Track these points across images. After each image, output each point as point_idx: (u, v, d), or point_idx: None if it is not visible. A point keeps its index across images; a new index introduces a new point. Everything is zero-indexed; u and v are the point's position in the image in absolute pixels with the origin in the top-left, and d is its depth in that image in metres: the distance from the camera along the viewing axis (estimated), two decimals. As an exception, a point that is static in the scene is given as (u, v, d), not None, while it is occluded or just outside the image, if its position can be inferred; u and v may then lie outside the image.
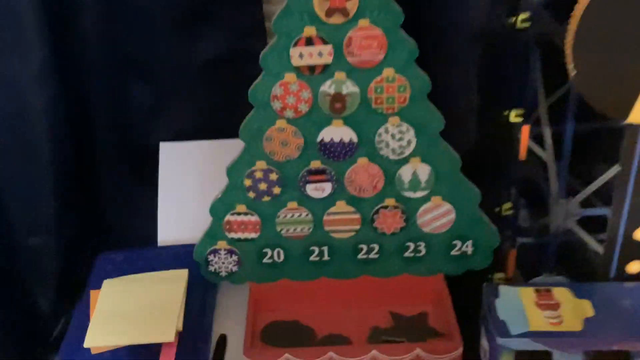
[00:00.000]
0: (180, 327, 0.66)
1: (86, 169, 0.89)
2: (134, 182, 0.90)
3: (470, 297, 0.74)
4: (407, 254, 0.74)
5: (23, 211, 0.86)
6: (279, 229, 0.72)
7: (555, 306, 0.64)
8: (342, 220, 0.71)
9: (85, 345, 0.65)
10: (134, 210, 0.91)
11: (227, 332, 0.75)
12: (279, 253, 0.73)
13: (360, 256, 0.73)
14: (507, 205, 0.73)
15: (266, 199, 0.70)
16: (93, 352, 0.67)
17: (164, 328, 0.65)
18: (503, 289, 0.66)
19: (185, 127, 0.86)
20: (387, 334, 0.73)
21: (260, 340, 0.73)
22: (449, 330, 0.71)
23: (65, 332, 0.73)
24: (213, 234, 0.72)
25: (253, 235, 0.72)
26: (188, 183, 0.84)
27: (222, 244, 0.73)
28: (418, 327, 0.74)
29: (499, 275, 0.79)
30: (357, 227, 0.72)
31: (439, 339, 0.71)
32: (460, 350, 0.68)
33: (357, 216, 0.71)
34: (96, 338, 0.66)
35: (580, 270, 0.75)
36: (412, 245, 0.73)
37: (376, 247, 0.73)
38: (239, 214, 0.71)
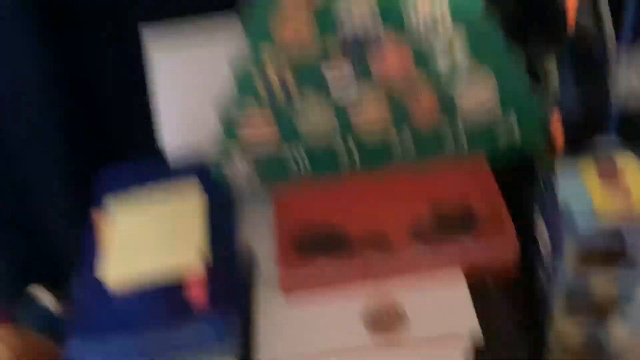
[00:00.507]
0: (206, 254, 0.60)
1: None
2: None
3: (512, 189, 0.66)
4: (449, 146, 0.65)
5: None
6: (298, 125, 0.63)
7: (624, 182, 0.56)
8: (370, 110, 0.62)
9: (103, 278, 0.59)
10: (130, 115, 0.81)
11: (254, 247, 0.68)
12: (300, 152, 0.65)
13: (394, 150, 0.65)
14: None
15: (281, 94, 0.61)
16: (110, 285, 0.61)
17: (190, 257, 0.59)
18: (560, 168, 0.58)
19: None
20: (429, 229, 0.66)
21: (295, 248, 0.67)
22: (499, 222, 0.64)
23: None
24: (225, 139, 0.64)
25: (270, 136, 0.63)
26: (184, 75, 0.73)
27: (236, 149, 0.64)
28: (462, 221, 0.67)
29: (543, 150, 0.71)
30: (387, 116, 0.63)
31: (487, 232, 0.65)
32: (512, 247, 0.62)
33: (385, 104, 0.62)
34: (114, 271, 0.60)
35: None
36: (449, 132, 0.64)
37: (409, 137, 0.64)
38: (251, 114, 0.62)
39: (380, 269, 0.62)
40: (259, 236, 0.68)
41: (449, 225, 0.66)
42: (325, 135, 0.64)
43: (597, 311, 0.62)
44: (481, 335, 0.59)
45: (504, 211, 0.63)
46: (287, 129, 0.63)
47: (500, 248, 0.61)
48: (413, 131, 0.64)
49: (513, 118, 0.64)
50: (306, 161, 0.65)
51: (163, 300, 0.58)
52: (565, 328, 0.62)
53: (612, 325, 0.61)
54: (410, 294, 0.62)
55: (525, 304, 0.64)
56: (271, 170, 0.66)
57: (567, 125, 0.70)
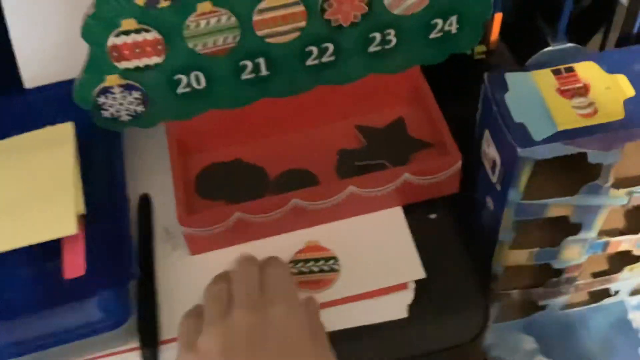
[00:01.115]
0: (82, 209, 0.47)
1: None
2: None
3: (451, 93, 0.56)
4: (372, 49, 0.54)
5: None
6: (191, 44, 0.50)
7: (583, 90, 0.48)
8: (280, 18, 0.50)
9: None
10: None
11: (150, 191, 0.56)
12: (197, 77, 0.52)
13: (309, 62, 0.53)
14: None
15: (164, 3, 0.47)
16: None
17: (61, 216, 0.46)
18: (511, 77, 0.49)
19: None
20: (358, 156, 0.56)
21: (197, 193, 0.55)
22: (438, 137, 0.54)
23: None
24: (96, 68, 0.50)
25: (156, 59, 0.50)
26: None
27: (113, 80, 0.51)
28: (396, 140, 0.57)
29: (479, 49, 0.62)
30: (302, 23, 0.51)
31: (427, 152, 0.55)
32: (458, 165, 0.53)
33: (300, 8, 0.49)
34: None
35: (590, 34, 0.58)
36: (378, 36, 0.53)
37: (330, 46, 0.53)
38: (127, 32, 0.48)
39: (304, 211, 0.52)
40: (156, 180, 0.56)
41: (383, 151, 0.56)
42: (227, 51, 0.51)
43: (549, 234, 0.55)
44: (424, 271, 0.51)
45: (445, 129, 0.53)
46: (176, 46, 0.50)
47: (442, 171, 0.52)
48: (335, 37, 0.52)
49: (453, 18, 0.54)
50: (204, 86, 0.53)
51: (31, 273, 0.46)
52: (514, 253, 0.55)
53: (564, 247, 0.55)
54: (342, 239, 0.52)
55: (471, 230, 0.56)
56: (161, 100, 0.53)
57: (516, 26, 0.61)
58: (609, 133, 0.46)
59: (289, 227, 0.53)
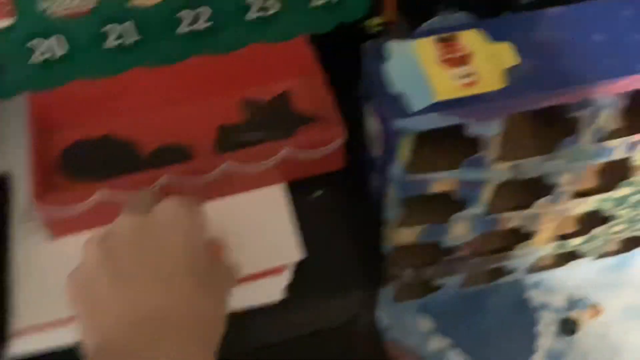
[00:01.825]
0: None
1: None
2: None
3: (344, 65, 0.54)
4: (251, 15, 0.50)
5: None
6: (44, 4, 0.45)
7: (465, 59, 0.46)
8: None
9: None
10: None
11: (11, 170, 0.51)
12: (57, 43, 0.47)
13: (182, 29, 0.49)
14: None
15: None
16: None
17: None
18: (392, 47, 0.46)
19: None
20: (240, 132, 0.53)
21: (61, 173, 0.51)
22: (323, 112, 0.51)
23: None
24: None
25: (4, 22, 0.45)
26: None
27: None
28: (280, 115, 0.54)
29: (375, 21, 0.59)
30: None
31: (310, 127, 0.52)
32: (340, 139, 0.50)
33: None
34: None
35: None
36: (257, 2, 0.50)
37: (205, 11, 0.49)
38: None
39: (178, 189, 0.48)
40: (18, 158, 0.51)
41: (266, 126, 0.53)
42: (87, 14, 0.47)
43: (436, 211, 0.53)
44: (302, 252, 0.48)
45: (330, 103, 0.51)
46: (27, 6, 0.45)
47: (325, 145, 0.49)
48: (210, 1, 0.49)
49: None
50: (65, 52, 0.48)
51: None
52: (402, 232, 0.53)
53: (452, 224, 0.53)
54: (219, 220, 0.49)
55: (356, 209, 0.53)
56: (16, 69, 0.48)
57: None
58: (488, 103, 0.44)
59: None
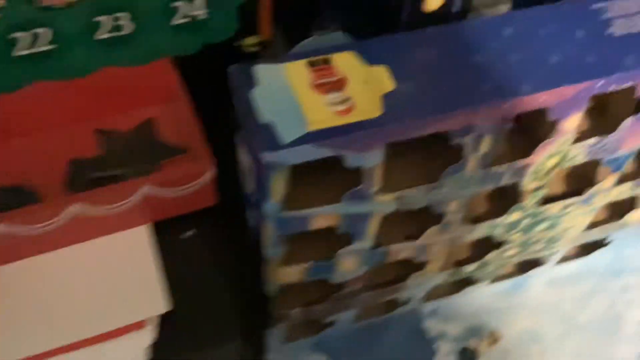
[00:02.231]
0: None
1: None
2: None
3: (215, 90, 0.49)
4: (101, 36, 0.44)
5: None
6: None
7: (339, 84, 0.42)
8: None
9: None
10: None
11: None
12: None
13: (19, 52, 0.43)
14: None
15: None
16: None
17: None
18: (261, 71, 0.42)
19: None
20: (95, 167, 0.46)
21: None
22: (190, 143, 0.46)
23: None
24: None
25: None
26: None
27: None
28: (141, 146, 0.48)
29: (250, 40, 0.55)
30: (1, 1, 0.40)
31: (176, 160, 0.47)
32: (210, 172, 0.45)
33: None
34: None
35: (361, 19, 0.52)
36: (107, 20, 0.44)
37: (47, 32, 0.43)
38: None
39: (19, 238, 0.41)
40: None
41: (126, 160, 0.47)
42: None
43: (322, 247, 0.49)
44: (173, 302, 0.42)
45: (197, 133, 0.45)
46: None
47: (192, 181, 0.44)
48: (49, 21, 0.42)
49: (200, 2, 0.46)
50: None
51: None
52: (285, 271, 0.49)
53: (339, 260, 0.49)
54: (71, 271, 0.42)
55: (232, 249, 0.48)
56: None
57: (277, 13, 0.54)
58: (365, 132, 0.40)
59: (1, 261, 0.42)
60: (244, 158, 0.43)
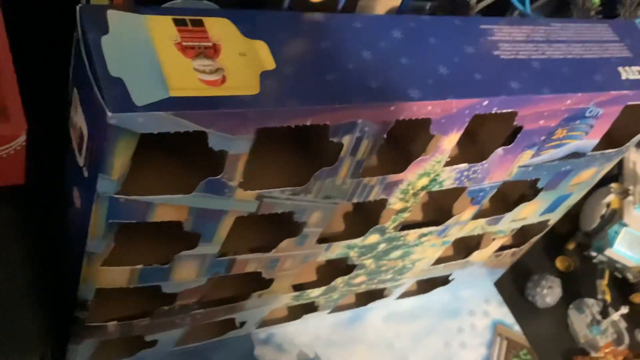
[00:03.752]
0: None
1: None
2: None
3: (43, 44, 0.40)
4: None
5: None
6: None
7: (211, 51, 0.35)
8: None
9: None
10: None
11: None
12: None
13: None
14: None
15: None
16: None
17: None
18: (115, 17, 0.34)
19: None
20: None
21: None
22: (2, 101, 0.36)
23: None
24: None
25: None
26: None
27: None
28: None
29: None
30: None
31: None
32: (22, 137, 0.36)
33: None
34: None
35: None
36: None
37: None
38: None
39: None
40: None
41: None
42: None
43: (159, 246, 0.41)
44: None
45: (12, 89, 0.36)
46: None
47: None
48: None
49: None
50: None
51: None
52: (110, 272, 0.40)
53: (178, 263, 0.42)
54: None
55: (41, 238, 0.39)
56: None
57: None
58: (237, 109, 0.33)
59: None
60: (78, 121, 0.35)
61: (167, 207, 0.37)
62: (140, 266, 0.40)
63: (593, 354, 0.68)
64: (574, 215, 0.74)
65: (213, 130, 0.33)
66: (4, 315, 0.34)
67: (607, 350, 0.68)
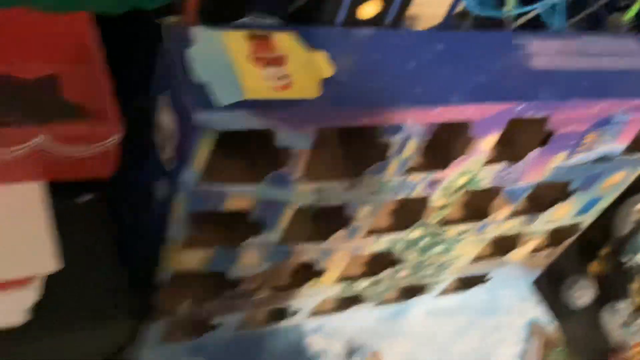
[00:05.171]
0: None
1: None
2: None
3: (129, 58, 0.46)
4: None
5: None
6: None
7: (280, 61, 0.41)
8: None
9: None
10: None
11: None
12: None
13: None
14: None
15: None
16: None
17: None
18: (198, 33, 0.40)
19: None
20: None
21: None
22: (98, 105, 0.42)
23: None
24: None
25: None
26: None
27: None
28: (40, 99, 0.44)
29: (171, 19, 0.52)
30: None
31: (80, 119, 0.43)
32: (117, 136, 0.41)
33: None
34: None
35: (297, 12, 0.52)
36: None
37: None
38: None
39: None
40: None
41: (22, 110, 0.42)
42: None
43: (228, 235, 0.47)
44: (61, 261, 0.38)
45: (108, 95, 0.42)
46: None
47: (94, 141, 0.40)
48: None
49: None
50: None
51: None
52: (186, 255, 0.45)
53: (244, 250, 0.47)
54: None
55: (130, 223, 0.44)
56: None
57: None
58: (302, 109, 0.39)
59: None
60: (165, 120, 0.40)
61: (237, 198, 0.42)
62: (211, 250, 0.46)
63: (624, 353, 0.71)
64: (607, 223, 0.77)
65: (281, 128, 0.39)
66: (103, 287, 0.40)
67: (637, 349, 0.70)
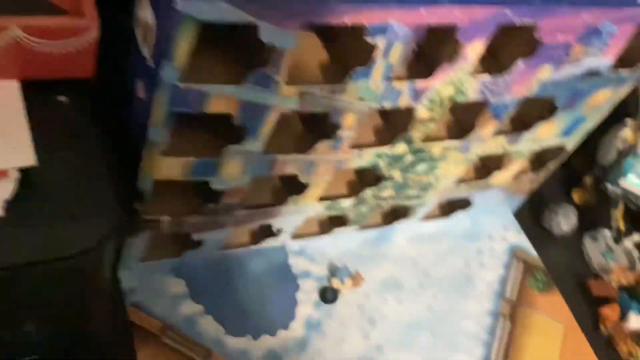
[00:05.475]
0: None
1: None
2: None
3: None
4: None
5: None
6: None
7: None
8: None
9: None
10: None
11: None
12: None
13: None
14: None
15: None
16: None
17: None
18: None
19: None
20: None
21: None
22: (77, 4, 0.41)
23: None
24: None
25: None
26: None
27: None
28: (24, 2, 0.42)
29: None
30: None
31: (57, 10, 0.42)
32: (94, 32, 0.40)
33: None
34: None
35: None
36: None
37: None
38: None
39: None
40: None
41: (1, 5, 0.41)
42: None
43: (210, 142, 0.46)
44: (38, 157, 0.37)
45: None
46: None
47: (69, 37, 0.39)
48: None
49: None
50: None
51: None
52: (166, 162, 0.45)
53: (226, 159, 0.46)
54: None
55: (109, 127, 0.43)
56: None
57: None
58: (284, 3, 0.38)
59: None
60: (145, 15, 0.39)
61: (220, 99, 0.41)
62: (193, 158, 0.45)
63: (605, 278, 0.72)
64: (590, 153, 0.77)
65: (265, 22, 0.38)
66: (84, 187, 0.39)
67: (617, 275, 0.71)
